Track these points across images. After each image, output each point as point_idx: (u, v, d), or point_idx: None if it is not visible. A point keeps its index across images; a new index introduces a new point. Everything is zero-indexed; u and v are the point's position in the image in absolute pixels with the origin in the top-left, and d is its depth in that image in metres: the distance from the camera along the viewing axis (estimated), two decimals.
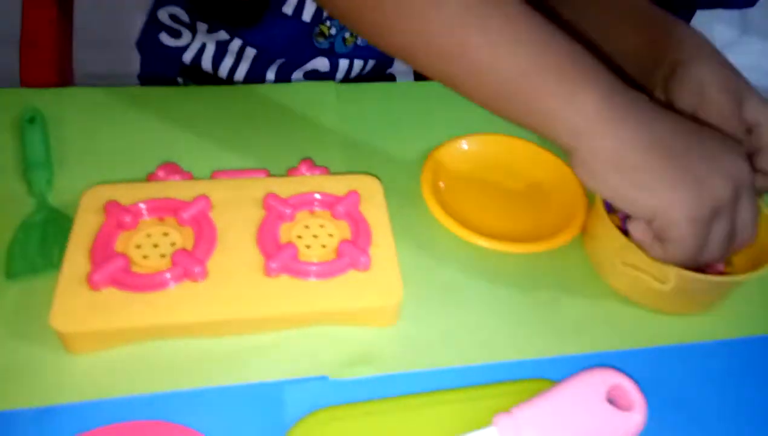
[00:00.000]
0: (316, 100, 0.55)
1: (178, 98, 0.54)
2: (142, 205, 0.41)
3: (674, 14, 0.48)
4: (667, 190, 0.37)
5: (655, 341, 0.42)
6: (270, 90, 0.56)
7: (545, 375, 0.38)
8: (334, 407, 0.36)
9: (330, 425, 0.35)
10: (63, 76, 0.66)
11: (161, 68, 0.66)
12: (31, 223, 0.43)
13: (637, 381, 0.36)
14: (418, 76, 0.68)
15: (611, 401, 0.35)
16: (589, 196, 0.48)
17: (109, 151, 0.49)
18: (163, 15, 0.64)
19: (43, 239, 0.42)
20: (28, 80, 0.63)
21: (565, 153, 0.39)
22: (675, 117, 0.39)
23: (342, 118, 0.54)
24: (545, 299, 0.43)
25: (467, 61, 0.37)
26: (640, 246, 0.40)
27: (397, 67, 0.68)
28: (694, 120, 0.42)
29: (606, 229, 0.42)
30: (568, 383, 0.35)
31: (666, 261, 0.39)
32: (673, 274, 0.39)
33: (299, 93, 0.56)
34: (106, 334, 0.37)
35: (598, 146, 0.37)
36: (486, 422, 0.34)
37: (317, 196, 0.43)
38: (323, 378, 0.37)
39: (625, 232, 0.46)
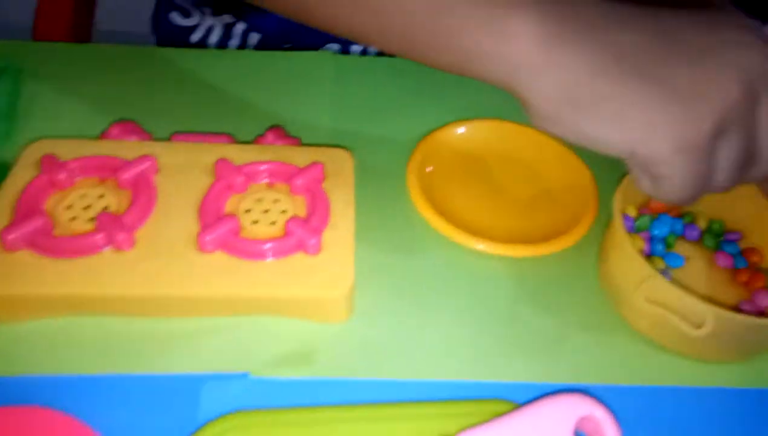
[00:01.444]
0: (311, 71, 0.50)
1: (162, 60, 0.50)
2: (79, 163, 0.37)
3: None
4: (643, 115, 0.27)
5: (663, 381, 0.34)
6: (262, 57, 0.51)
7: (514, 401, 0.31)
8: (251, 411, 0.30)
9: (241, 433, 0.29)
10: (78, 34, 0.64)
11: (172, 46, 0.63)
12: None
13: (622, 421, 0.29)
14: None
15: None
16: (603, 197, 0.40)
17: (81, 108, 0.45)
18: None
19: None
20: (41, 34, 0.62)
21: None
22: (653, 13, 0.29)
23: (336, 91, 0.48)
24: (528, 316, 0.36)
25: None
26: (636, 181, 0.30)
27: None
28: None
29: (625, 256, 0.34)
30: (529, 408, 0.28)
31: (659, 200, 0.30)
32: (711, 315, 0.31)
33: (294, 62, 0.51)
34: (11, 301, 0.33)
35: (544, 83, 0.28)
36: None
37: (274, 166, 0.38)
38: (243, 375, 0.32)
39: (649, 256, 0.38)
